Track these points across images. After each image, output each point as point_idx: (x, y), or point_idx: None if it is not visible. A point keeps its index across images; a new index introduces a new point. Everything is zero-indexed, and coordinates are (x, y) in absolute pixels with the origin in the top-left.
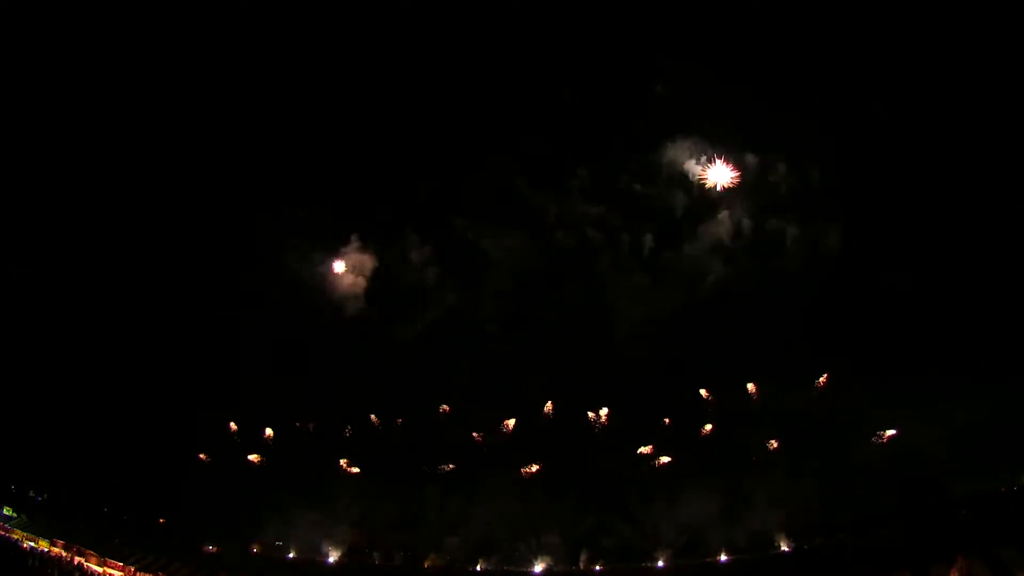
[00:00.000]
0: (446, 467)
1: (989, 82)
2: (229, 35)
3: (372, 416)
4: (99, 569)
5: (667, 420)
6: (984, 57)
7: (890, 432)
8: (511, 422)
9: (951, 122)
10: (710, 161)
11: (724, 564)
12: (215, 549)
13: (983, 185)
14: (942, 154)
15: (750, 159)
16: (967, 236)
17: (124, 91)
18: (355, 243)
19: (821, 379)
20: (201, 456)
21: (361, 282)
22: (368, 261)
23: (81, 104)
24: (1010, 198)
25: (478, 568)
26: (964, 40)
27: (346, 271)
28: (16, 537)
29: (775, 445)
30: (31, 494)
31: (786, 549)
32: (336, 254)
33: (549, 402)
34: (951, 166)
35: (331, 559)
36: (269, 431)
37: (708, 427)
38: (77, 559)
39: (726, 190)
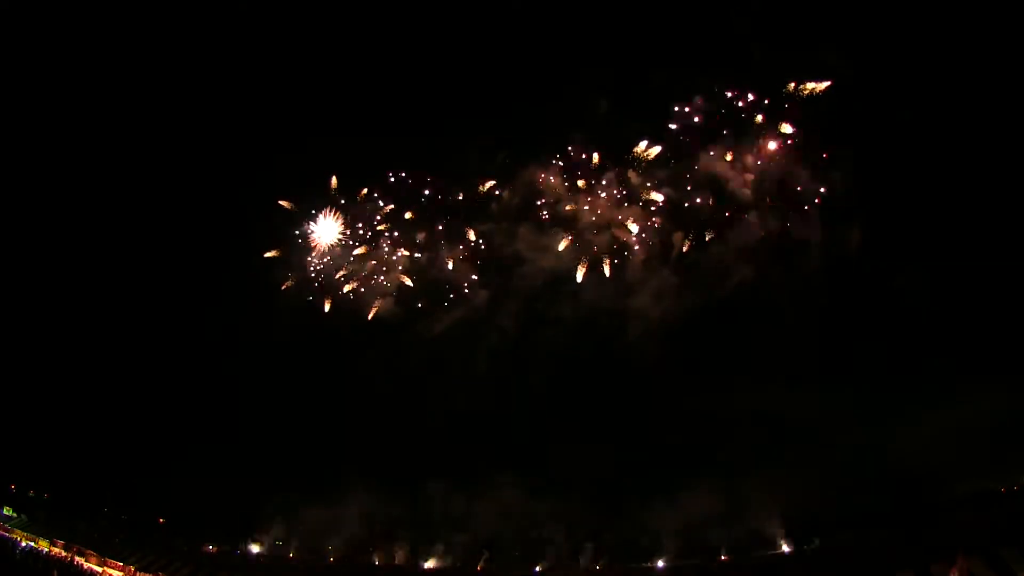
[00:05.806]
0: None
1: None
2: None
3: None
4: (99, 569)
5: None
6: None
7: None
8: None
9: (950, 121)
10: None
11: (724, 564)
12: (215, 549)
13: (982, 183)
14: (937, 153)
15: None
16: (968, 235)
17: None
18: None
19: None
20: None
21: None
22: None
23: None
24: (1010, 194)
25: (478, 568)
26: (985, 37)
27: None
28: (16, 537)
29: None
30: (31, 494)
31: (786, 549)
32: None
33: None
34: (947, 165)
35: (331, 559)
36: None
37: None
38: (77, 559)
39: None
